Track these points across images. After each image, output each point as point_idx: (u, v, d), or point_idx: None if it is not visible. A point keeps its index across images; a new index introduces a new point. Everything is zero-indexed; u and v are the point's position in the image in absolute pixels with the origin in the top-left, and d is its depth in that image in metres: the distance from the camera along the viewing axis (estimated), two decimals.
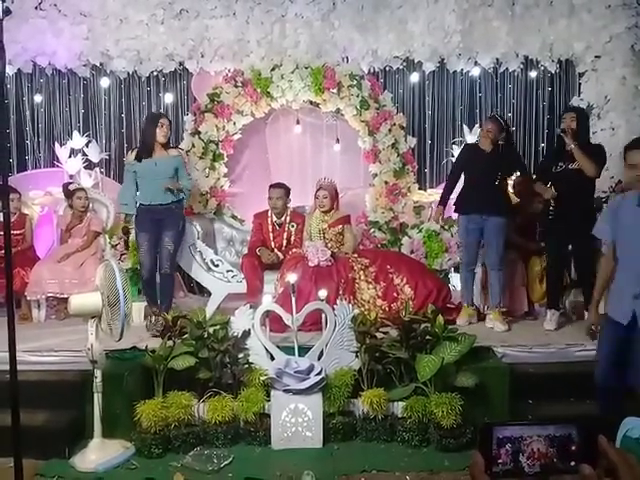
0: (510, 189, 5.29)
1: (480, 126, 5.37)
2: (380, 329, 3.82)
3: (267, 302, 3.95)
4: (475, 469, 0.80)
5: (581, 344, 4.06)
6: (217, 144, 5.58)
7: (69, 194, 5.18)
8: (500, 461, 0.81)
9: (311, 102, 5.72)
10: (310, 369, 3.56)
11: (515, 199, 5.25)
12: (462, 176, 4.67)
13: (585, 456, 0.81)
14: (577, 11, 5.55)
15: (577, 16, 5.55)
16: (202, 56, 5.67)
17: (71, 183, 5.34)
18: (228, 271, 4.95)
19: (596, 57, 5.63)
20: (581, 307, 4.62)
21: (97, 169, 5.78)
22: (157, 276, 4.66)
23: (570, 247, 4.47)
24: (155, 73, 5.86)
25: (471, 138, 5.74)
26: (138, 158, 4.58)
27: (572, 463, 0.81)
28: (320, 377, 3.51)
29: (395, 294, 4.58)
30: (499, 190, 4.52)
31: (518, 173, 5.59)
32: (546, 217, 4.49)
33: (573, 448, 0.82)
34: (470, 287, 4.71)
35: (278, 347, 3.77)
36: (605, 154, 4.34)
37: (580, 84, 5.82)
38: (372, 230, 5.59)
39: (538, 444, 0.81)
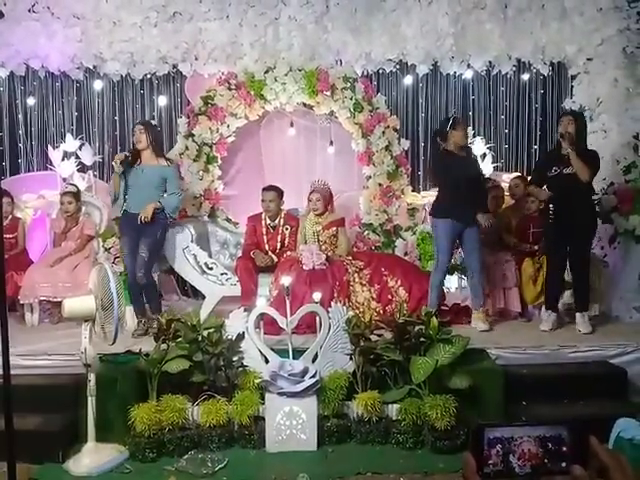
0: (506, 191, 5.31)
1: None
2: (374, 331, 3.82)
3: (261, 305, 3.95)
4: (467, 470, 0.81)
5: (574, 345, 4.08)
6: (211, 147, 5.58)
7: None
8: (491, 462, 0.81)
9: (305, 105, 5.73)
10: (304, 372, 3.55)
11: (510, 201, 5.27)
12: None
13: (576, 457, 0.81)
14: (569, 14, 5.58)
15: (569, 19, 5.59)
16: (196, 59, 5.67)
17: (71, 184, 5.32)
18: (222, 274, 4.93)
19: (588, 60, 5.66)
20: (573, 309, 4.63)
21: (90, 172, 5.75)
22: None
23: (567, 249, 4.46)
24: (149, 76, 5.85)
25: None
26: (130, 164, 4.61)
27: (563, 464, 0.81)
28: (314, 380, 3.51)
29: (389, 296, 4.59)
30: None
31: (513, 175, 5.64)
32: (546, 218, 4.49)
33: (564, 449, 0.82)
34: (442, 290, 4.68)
35: (272, 350, 3.76)
36: (599, 160, 4.32)
37: (572, 86, 5.87)
38: (366, 232, 5.59)
39: (529, 445, 0.81)
